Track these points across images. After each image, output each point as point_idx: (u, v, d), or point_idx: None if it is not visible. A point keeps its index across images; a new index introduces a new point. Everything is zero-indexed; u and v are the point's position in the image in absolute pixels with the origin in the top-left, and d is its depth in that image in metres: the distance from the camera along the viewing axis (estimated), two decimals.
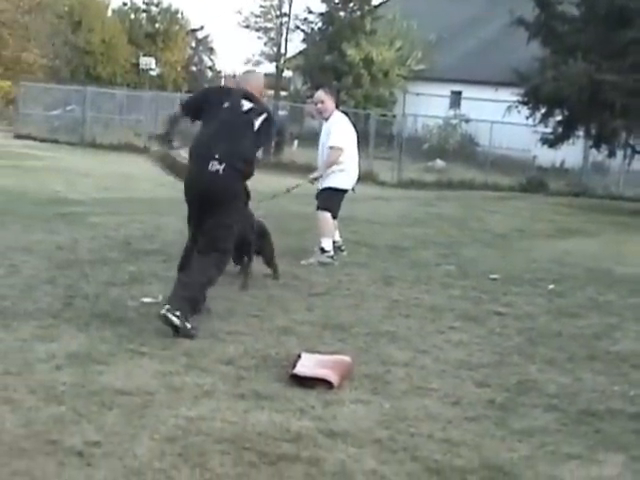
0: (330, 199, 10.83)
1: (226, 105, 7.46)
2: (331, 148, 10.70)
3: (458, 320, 7.99)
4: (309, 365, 5.92)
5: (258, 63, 56.95)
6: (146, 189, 18.00)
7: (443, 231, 14.69)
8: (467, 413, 5.49)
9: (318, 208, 10.82)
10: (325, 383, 5.72)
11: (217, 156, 7.16)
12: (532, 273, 10.87)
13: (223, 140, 7.24)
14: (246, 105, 7.52)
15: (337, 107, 11.09)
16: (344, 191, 10.91)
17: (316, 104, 10.92)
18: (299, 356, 6.06)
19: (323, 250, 10.57)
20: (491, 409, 5.61)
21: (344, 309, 8.11)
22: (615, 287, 10.38)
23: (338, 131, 10.82)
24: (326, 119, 10.87)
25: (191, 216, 7.67)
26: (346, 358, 6.19)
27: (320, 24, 43.59)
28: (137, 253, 10.27)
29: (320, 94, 11.02)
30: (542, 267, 11.46)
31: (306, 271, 9.87)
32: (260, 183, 21.13)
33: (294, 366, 5.90)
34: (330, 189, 10.80)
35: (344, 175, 10.83)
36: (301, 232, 12.50)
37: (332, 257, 10.55)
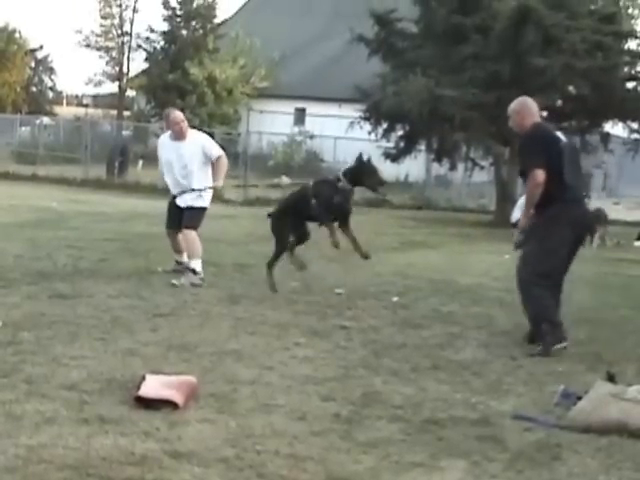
0: (198, 218, 10.82)
1: None
2: (220, 157, 10.83)
3: (303, 336, 8.03)
4: (154, 386, 5.85)
5: (100, 83, 56.28)
6: None
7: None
8: (313, 427, 5.51)
9: (187, 227, 10.73)
10: (170, 404, 5.66)
11: None
12: (377, 286, 11.03)
13: None
14: None
15: None
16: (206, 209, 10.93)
17: (178, 125, 10.81)
18: (143, 378, 5.99)
19: (194, 271, 10.49)
20: (337, 422, 5.65)
21: (189, 329, 8.06)
22: (457, 297, 10.62)
23: (212, 141, 11.07)
24: (183, 138, 10.81)
25: None
26: (191, 378, 6.15)
27: (162, 43, 43.39)
28: None
29: (179, 114, 10.96)
30: (386, 280, 11.63)
31: (151, 291, 9.77)
32: (104, 205, 20.96)
33: (138, 388, 5.83)
34: (201, 208, 10.78)
35: (209, 193, 10.87)
36: (146, 252, 12.41)
37: (202, 279, 10.47)
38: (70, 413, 5.50)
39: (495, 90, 21.11)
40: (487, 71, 21.07)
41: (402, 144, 24.27)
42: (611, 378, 6.26)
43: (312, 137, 35.00)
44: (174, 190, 10.95)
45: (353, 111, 25.17)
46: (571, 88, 22.93)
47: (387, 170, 28.32)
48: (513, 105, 8.64)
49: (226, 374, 6.58)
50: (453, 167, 25.29)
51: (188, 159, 10.78)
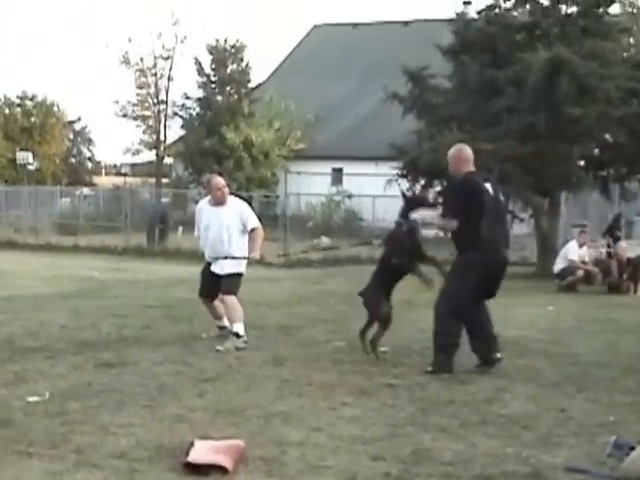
0: (236, 283, 10.87)
1: None
2: (256, 229, 10.95)
3: (350, 395, 7.99)
4: (202, 452, 5.84)
5: (138, 152, 56.87)
6: (28, 286, 17.69)
7: (331, 308, 14.76)
8: None
9: (226, 293, 10.78)
10: (220, 469, 5.65)
11: None
12: (421, 343, 10.94)
13: None
14: None
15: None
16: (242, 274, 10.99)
17: (219, 190, 10.90)
18: (192, 444, 5.98)
19: (237, 335, 10.52)
20: None
21: (236, 393, 8.04)
22: (503, 350, 10.51)
23: (250, 210, 11.14)
24: (223, 203, 10.90)
25: None
26: (239, 442, 6.13)
27: (198, 109, 43.85)
28: (21, 351, 10.04)
29: (220, 180, 11.07)
30: (430, 337, 11.54)
31: (196, 357, 9.78)
32: (145, 272, 21.05)
33: (187, 454, 5.82)
34: (237, 274, 10.84)
35: (245, 259, 10.92)
36: (189, 318, 12.44)
37: (246, 342, 10.50)
38: None
39: (531, 141, 21.10)
40: (522, 123, 21.03)
41: (442, 200, 24.26)
42: None
43: (350, 196, 35.08)
44: (210, 255, 11.00)
45: (389, 169, 25.20)
46: (607, 136, 22.83)
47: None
48: (451, 151, 9.49)
49: (274, 436, 6.55)
50: None
51: (227, 225, 10.83)
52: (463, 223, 9.02)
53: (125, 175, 60.76)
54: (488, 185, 9.29)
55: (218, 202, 10.92)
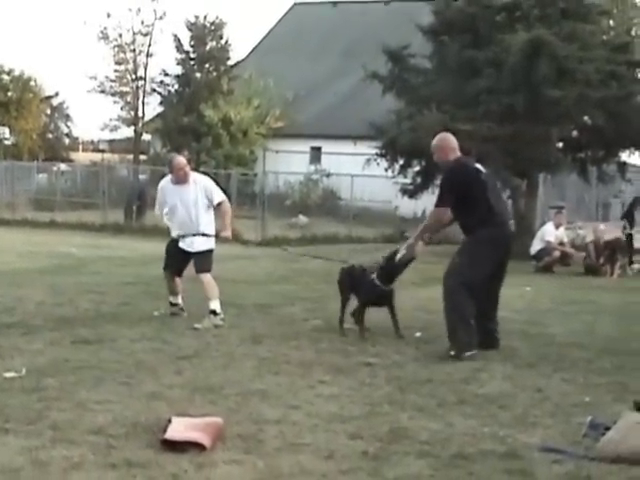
0: (209, 260, 10.90)
1: None
2: (222, 202, 10.94)
3: (328, 374, 8.01)
4: (180, 429, 5.84)
5: (116, 128, 56.62)
6: (5, 261, 17.60)
7: (309, 286, 14.77)
8: (341, 466, 5.48)
9: (201, 271, 10.78)
10: (197, 446, 5.65)
11: None
12: (399, 322, 10.97)
13: None
14: None
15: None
16: (213, 250, 10.99)
17: (181, 170, 10.87)
18: (169, 421, 5.98)
19: (215, 312, 10.54)
20: (365, 460, 5.62)
21: (213, 370, 8.04)
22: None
23: (214, 185, 11.08)
24: (186, 181, 10.87)
25: None
26: (217, 419, 6.13)
27: (177, 86, 43.64)
28: None
29: (181, 160, 11.01)
30: (408, 316, 11.55)
31: (174, 334, 9.77)
32: (123, 249, 20.99)
33: (165, 431, 5.82)
34: (209, 250, 10.85)
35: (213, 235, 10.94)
36: (167, 295, 12.43)
37: (223, 319, 10.53)
38: (97, 458, 5.48)
39: (510, 123, 21.14)
40: (502, 104, 21.04)
41: (419, 180, 24.25)
42: (639, 407, 6.21)
43: (328, 175, 35.03)
44: (179, 233, 10.97)
45: (368, 148, 25.19)
46: (586, 118, 22.89)
47: (405, 206, 28.52)
48: (435, 141, 9.49)
49: (252, 414, 6.56)
50: None
51: (193, 202, 10.84)
52: (468, 206, 9.07)
53: (103, 151, 60.54)
54: (479, 166, 9.39)
55: (180, 181, 10.90)
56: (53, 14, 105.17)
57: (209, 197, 10.85)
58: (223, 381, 7.60)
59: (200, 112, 39.89)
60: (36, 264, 17.21)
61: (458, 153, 9.38)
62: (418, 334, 10.20)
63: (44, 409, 6.51)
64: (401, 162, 24.10)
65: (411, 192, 24.66)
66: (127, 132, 55.77)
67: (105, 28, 52.33)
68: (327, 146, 38.58)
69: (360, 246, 24.06)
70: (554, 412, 6.90)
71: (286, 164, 34.85)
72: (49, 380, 7.40)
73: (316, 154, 39.45)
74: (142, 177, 37.61)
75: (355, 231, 27.68)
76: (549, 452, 5.82)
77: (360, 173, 27.35)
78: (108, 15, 52.47)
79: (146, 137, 52.27)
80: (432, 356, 8.95)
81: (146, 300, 12.31)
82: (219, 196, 10.95)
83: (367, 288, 10.09)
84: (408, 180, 24.62)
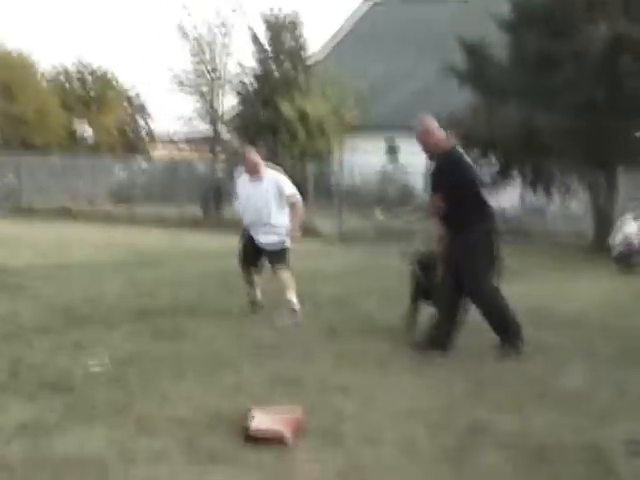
0: (284, 256, 10.97)
1: None
2: (292, 197, 10.95)
3: (406, 368, 8.01)
4: (262, 422, 5.89)
5: (194, 124, 56.97)
6: (85, 254, 17.88)
7: (385, 280, 14.76)
8: (421, 460, 5.51)
9: (278, 268, 10.86)
10: (278, 439, 5.70)
11: None
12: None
13: None
14: None
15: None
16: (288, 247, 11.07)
17: (254, 167, 10.96)
18: (251, 413, 6.04)
19: (292, 307, 10.69)
20: (444, 454, 5.63)
21: (292, 364, 8.09)
22: (558, 325, 10.49)
23: (286, 180, 11.09)
24: (260, 176, 10.96)
25: None
26: (298, 413, 6.18)
27: (254, 82, 43.82)
28: (80, 319, 10.19)
29: (255, 157, 11.09)
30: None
31: (253, 327, 9.86)
32: (200, 243, 21.13)
33: (247, 423, 5.88)
34: (283, 247, 10.94)
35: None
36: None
37: (299, 313, 10.67)
38: (180, 449, 5.57)
39: (590, 116, 20.88)
40: (581, 97, 20.79)
41: (496, 173, 24.10)
42: None
43: (405, 169, 34.91)
44: (252, 227, 11.06)
45: None
46: None
47: None
48: (421, 128, 9.16)
49: (332, 408, 6.60)
50: (548, 195, 25.05)
51: (265, 198, 10.90)
52: (460, 199, 8.73)
53: (180, 147, 61.05)
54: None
55: (254, 175, 11.00)
56: (132, 11, 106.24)
57: (280, 190, 10.90)
58: (302, 374, 7.64)
59: (277, 107, 40.01)
60: (115, 257, 17.43)
61: (445, 137, 9.12)
62: None
63: (127, 401, 6.63)
64: (477, 155, 23.93)
65: (487, 186, 24.49)
66: (205, 128, 56.13)
67: (183, 23, 52.64)
68: (404, 140, 38.47)
69: None
70: (636, 404, 6.85)
71: (362, 158, 34.82)
72: (131, 372, 7.52)
73: (392, 148, 39.36)
74: (219, 172, 37.87)
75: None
76: (632, 445, 5.76)
77: None
78: (186, 10, 52.40)
79: (223, 132, 52.59)
80: (510, 352, 8.90)
81: (224, 293, 12.41)
82: (289, 188, 11.00)
83: None
84: (485, 174, 24.46)
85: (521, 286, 14.38)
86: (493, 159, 23.93)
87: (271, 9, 43.18)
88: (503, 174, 23.82)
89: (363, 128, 39.84)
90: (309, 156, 38.21)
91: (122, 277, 14.14)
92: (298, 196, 11.10)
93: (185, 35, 50.97)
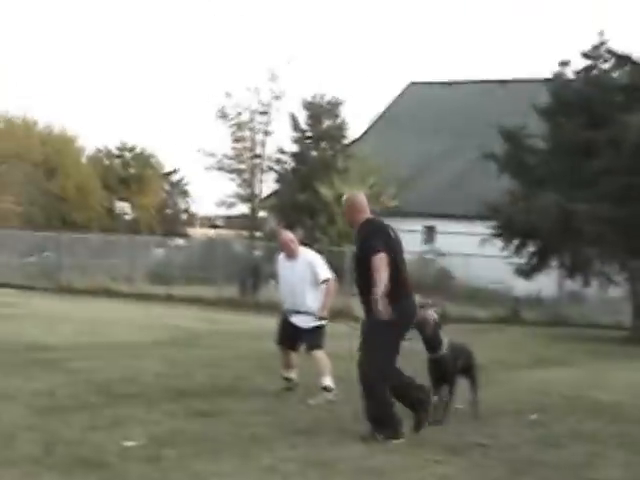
0: (320, 336, 10.98)
1: None
2: (327, 280, 10.96)
3: (441, 453, 7.97)
4: None
5: (232, 204, 57.42)
6: (124, 333, 17.99)
7: (420, 364, 14.68)
8: None
9: (312, 348, 10.89)
10: None
11: None
12: (513, 404, 10.87)
13: None
14: None
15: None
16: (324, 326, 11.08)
17: (288, 245, 11.08)
18: None
19: (327, 388, 10.68)
20: None
21: (327, 446, 8.07)
22: (597, 415, 10.39)
23: (321, 261, 11.16)
24: (294, 256, 11.07)
25: None
26: None
27: (293, 164, 44.23)
28: (117, 397, 10.23)
29: (288, 235, 11.25)
30: (523, 398, 11.46)
31: (288, 409, 9.85)
32: (237, 323, 21.15)
33: None
34: (318, 327, 10.95)
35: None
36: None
37: (336, 394, 10.66)
38: None
39: (628, 204, 20.89)
40: (620, 184, 20.85)
41: (534, 260, 24.10)
42: None
43: (443, 255, 34.97)
44: (288, 307, 11.13)
45: (483, 228, 25.15)
46: None
47: (520, 286, 28.26)
48: (344, 201, 9.03)
49: None
50: (586, 283, 24.97)
51: (300, 278, 10.99)
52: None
53: (219, 227, 61.52)
54: (389, 227, 8.89)
55: (290, 256, 11.10)
56: (173, 93, 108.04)
57: (315, 273, 10.97)
58: (336, 457, 7.62)
59: (315, 189, 40.29)
60: (152, 337, 17.51)
61: (368, 214, 8.83)
62: (533, 416, 10.06)
63: (162, 478, 6.63)
64: (516, 242, 23.95)
65: (526, 272, 24.48)
66: (243, 208, 56.48)
67: (224, 107, 53.30)
68: (441, 225, 38.58)
69: (473, 326, 23.88)
70: None
71: None
72: (167, 450, 7.53)
73: (430, 233, 39.46)
74: (257, 253, 38.08)
75: (468, 311, 27.48)
76: None
77: (475, 253, 27.26)
78: (227, 94, 53.06)
79: (262, 214, 52.88)
80: (547, 439, 8.84)
81: (260, 374, 12.42)
82: (324, 273, 11.04)
83: None
84: (523, 260, 24.45)
85: (559, 373, 14.32)
86: (531, 246, 23.92)
87: (313, 95, 43.72)
88: (541, 260, 23.79)
89: (400, 212, 40.00)
90: (347, 239, 38.31)
91: (159, 356, 14.20)
92: (332, 277, 11.14)
93: (226, 119, 51.68)
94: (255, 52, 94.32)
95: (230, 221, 62.93)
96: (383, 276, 8.31)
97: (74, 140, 56.35)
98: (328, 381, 10.70)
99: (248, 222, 52.10)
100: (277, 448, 7.88)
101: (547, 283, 27.57)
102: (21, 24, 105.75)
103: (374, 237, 8.53)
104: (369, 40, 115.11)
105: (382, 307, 8.26)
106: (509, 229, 23.53)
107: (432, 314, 9.66)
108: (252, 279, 31.89)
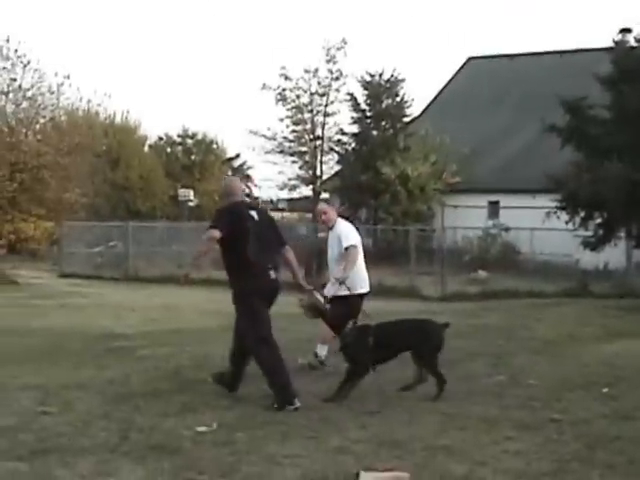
0: (335, 307, 10.91)
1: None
2: (348, 248, 10.99)
3: (513, 430, 7.93)
4: None
5: (294, 187, 57.52)
6: (191, 319, 18.14)
7: (491, 341, 14.63)
8: None
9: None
10: None
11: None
12: (584, 377, 10.78)
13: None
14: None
15: (340, 216, 11.59)
16: (363, 295, 11.12)
17: (320, 216, 11.30)
18: (357, 475, 6.04)
19: (315, 355, 11.36)
20: None
21: (398, 426, 8.08)
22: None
23: (349, 231, 11.25)
24: (331, 228, 11.28)
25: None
26: (404, 475, 6.15)
27: (354, 144, 44.11)
28: (188, 383, 10.34)
29: (322, 206, 11.55)
30: (594, 371, 11.36)
31: (357, 390, 9.84)
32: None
33: None
34: (337, 297, 11.01)
35: (358, 278, 11.04)
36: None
37: (322, 362, 11.24)
38: None
39: None
40: None
41: (601, 232, 23.78)
42: None
43: (507, 230, 34.68)
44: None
45: (548, 201, 24.88)
46: None
47: (586, 259, 27.98)
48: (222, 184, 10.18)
49: (439, 470, 6.56)
50: None
51: (332, 248, 11.28)
52: (231, 250, 9.52)
53: (282, 210, 61.62)
54: (254, 213, 9.68)
55: (328, 227, 11.40)
56: (233, 78, 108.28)
57: (341, 241, 11.05)
58: (408, 436, 7.62)
59: (377, 169, 40.16)
60: (218, 322, 17.59)
61: (237, 198, 9.73)
62: (605, 389, 9.96)
63: (235, 462, 6.68)
64: (582, 215, 23.66)
65: (593, 245, 24.16)
66: (305, 191, 56.54)
67: (283, 90, 53.37)
68: (505, 200, 38.27)
69: (540, 301, 23.71)
70: None
71: (464, 219, 34.70)
72: (239, 434, 7.59)
73: (494, 208, 39.16)
74: (321, 235, 38.11)
75: (535, 285, 27.23)
76: None
77: (540, 226, 27.00)
78: (286, 77, 53.12)
79: (324, 195, 52.92)
80: (620, 412, 8.75)
81: (328, 355, 12.41)
82: (347, 240, 11.09)
83: None
84: (590, 233, 24.16)
85: (630, 345, 14.15)
86: (597, 218, 23.62)
87: (371, 75, 43.53)
88: (608, 232, 23.49)
89: (464, 189, 39.81)
90: (411, 218, 38.20)
91: (226, 340, 14.22)
92: (354, 245, 11.12)
93: (286, 102, 51.74)
94: (312, 33, 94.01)
95: (293, 204, 63.08)
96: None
97: (136, 129, 56.76)
98: (322, 349, 11.38)
99: (311, 204, 52.16)
100: (348, 429, 7.91)
101: (614, 255, 27.21)
102: (82, 17, 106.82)
103: (219, 219, 9.54)
104: (426, 17, 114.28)
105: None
106: (574, 201, 23.21)
107: (318, 299, 10.49)
108: (317, 260, 31.91)
